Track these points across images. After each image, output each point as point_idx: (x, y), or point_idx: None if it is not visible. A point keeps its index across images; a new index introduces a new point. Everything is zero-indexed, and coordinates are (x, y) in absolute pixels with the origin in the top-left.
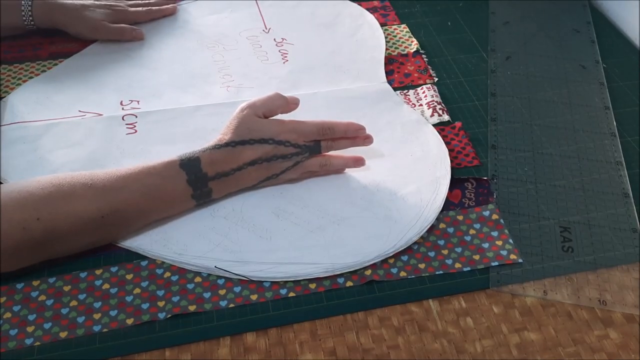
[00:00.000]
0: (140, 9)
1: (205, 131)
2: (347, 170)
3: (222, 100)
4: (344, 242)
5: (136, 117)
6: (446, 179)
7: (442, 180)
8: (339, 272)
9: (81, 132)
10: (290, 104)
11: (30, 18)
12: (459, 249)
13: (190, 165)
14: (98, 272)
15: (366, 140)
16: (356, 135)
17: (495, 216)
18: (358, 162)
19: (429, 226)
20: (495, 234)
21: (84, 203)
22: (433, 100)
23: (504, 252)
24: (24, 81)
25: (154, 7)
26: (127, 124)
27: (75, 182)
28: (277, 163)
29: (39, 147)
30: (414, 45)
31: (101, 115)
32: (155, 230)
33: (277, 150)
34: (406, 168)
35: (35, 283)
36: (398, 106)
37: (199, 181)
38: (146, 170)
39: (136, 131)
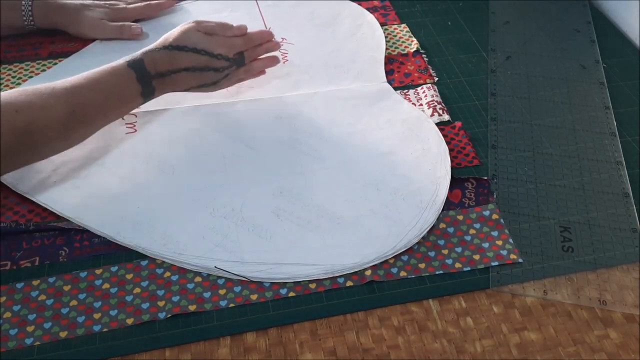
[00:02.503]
0: (138, 4)
1: (204, 131)
2: (346, 169)
3: (221, 100)
4: (344, 243)
5: (136, 116)
6: (446, 179)
7: (442, 180)
8: (338, 274)
9: None
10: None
11: (31, 18)
12: (459, 249)
13: (136, 65)
14: (98, 271)
15: (275, 45)
16: (269, 40)
17: (495, 216)
18: (273, 60)
19: (429, 228)
20: (495, 233)
21: (56, 100)
22: (433, 100)
23: (504, 252)
24: (24, 80)
25: (152, 2)
26: (126, 123)
27: (48, 86)
28: (210, 74)
29: None
30: (414, 45)
31: None
32: (155, 230)
33: (210, 62)
34: (406, 167)
35: (35, 282)
36: (398, 104)
37: (145, 79)
38: (102, 71)
39: (136, 130)
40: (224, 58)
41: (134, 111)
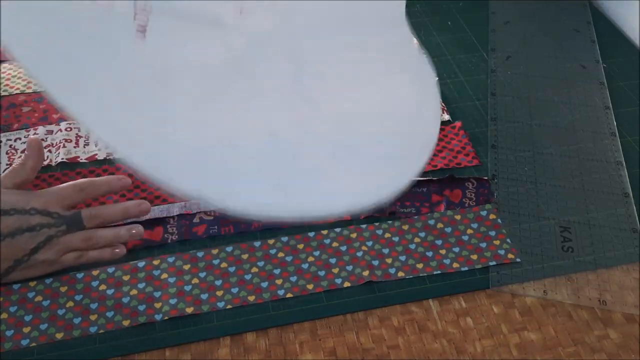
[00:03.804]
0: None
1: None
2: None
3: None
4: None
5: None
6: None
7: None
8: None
9: (86, 23)
10: (33, 168)
11: None
12: (456, 249)
13: None
14: (95, 273)
15: (141, 206)
16: (120, 190)
17: (492, 216)
18: (133, 231)
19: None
20: (492, 233)
21: None
22: None
23: (502, 252)
24: (25, 79)
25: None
26: (139, 25)
27: None
28: (24, 238)
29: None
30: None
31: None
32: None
33: (22, 222)
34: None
35: (32, 284)
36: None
37: None
38: None
39: (146, 35)
40: (41, 212)
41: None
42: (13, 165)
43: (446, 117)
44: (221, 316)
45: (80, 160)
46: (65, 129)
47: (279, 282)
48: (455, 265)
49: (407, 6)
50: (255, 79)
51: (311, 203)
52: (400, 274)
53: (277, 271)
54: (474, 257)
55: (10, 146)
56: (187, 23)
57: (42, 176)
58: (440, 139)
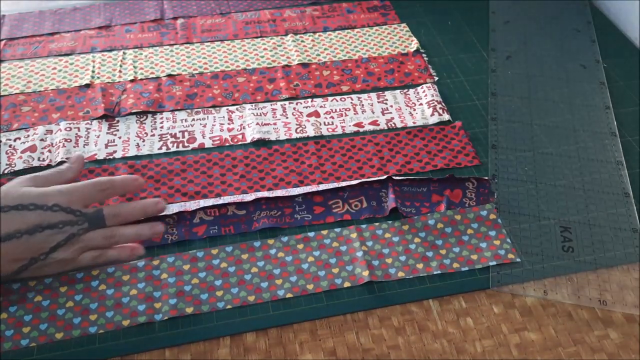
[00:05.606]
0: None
1: None
2: None
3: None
4: None
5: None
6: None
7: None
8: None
9: None
10: (75, 172)
11: None
12: (456, 249)
13: None
14: (94, 272)
15: (158, 205)
16: (135, 190)
17: (492, 216)
18: (155, 229)
19: None
20: (493, 233)
21: None
22: (433, 100)
23: (502, 252)
24: (24, 79)
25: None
26: None
27: None
28: (44, 236)
29: None
30: (414, 44)
31: None
32: None
33: (42, 218)
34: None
35: (32, 284)
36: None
37: None
38: None
39: None
40: (64, 209)
41: None
42: (50, 170)
43: (446, 117)
44: (221, 316)
45: None
46: (65, 129)
47: (279, 282)
48: (455, 265)
49: (407, 6)
50: None
51: None
52: (400, 274)
53: (277, 271)
54: (474, 257)
55: (10, 146)
56: None
57: None
58: (440, 139)
